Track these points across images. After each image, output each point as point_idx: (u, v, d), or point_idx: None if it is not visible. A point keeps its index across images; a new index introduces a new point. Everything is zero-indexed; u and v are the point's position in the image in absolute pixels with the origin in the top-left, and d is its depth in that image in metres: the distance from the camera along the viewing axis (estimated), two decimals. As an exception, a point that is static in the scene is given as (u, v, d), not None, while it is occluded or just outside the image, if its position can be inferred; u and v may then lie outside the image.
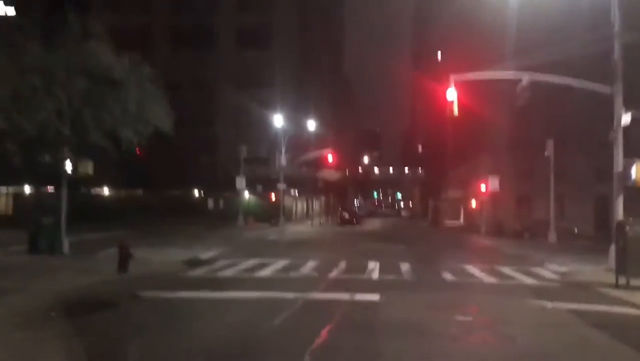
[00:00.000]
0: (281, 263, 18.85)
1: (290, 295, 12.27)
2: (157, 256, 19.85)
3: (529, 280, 16.17)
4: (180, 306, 11.42)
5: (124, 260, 15.22)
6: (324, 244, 29.18)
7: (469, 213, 60.02)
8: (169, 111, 22.31)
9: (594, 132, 48.88)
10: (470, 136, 58.10)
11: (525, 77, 20.42)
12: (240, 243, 27.81)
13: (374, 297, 12.32)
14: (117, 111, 19.41)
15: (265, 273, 16.68)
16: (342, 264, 18.81)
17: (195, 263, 18.90)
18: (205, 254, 21.35)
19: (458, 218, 63.48)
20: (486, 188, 46.05)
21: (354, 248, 25.94)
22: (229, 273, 16.63)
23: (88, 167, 22.08)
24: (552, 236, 33.60)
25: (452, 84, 22.85)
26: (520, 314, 11.02)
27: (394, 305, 11.69)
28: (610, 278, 15.00)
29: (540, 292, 13.76)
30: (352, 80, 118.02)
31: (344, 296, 12.39)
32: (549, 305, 11.92)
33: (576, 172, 40.94)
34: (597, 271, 17.94)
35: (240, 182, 42.33)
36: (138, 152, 53.87)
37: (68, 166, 20.15)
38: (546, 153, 34.33)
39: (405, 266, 18.55)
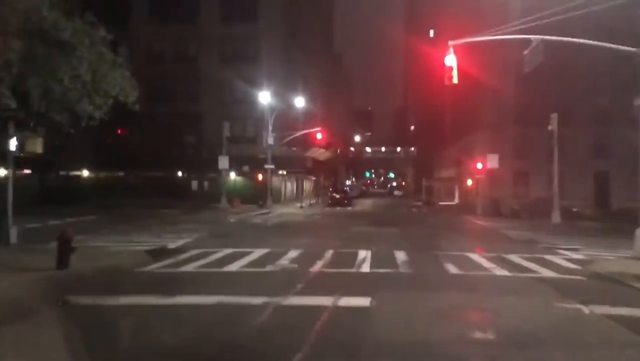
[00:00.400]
0: (258, 253, 16.17)
1: (257, 300, 9.62)
2: (117, 246, 17.18)
3: (546, 272, 13.58)
4: (110, 319, 8.71)
5: (64, 254, 12.48)
6: (311, 228, 26.47)
7: (463, 192, 57.55)
8: (134, 82, 19.22)
9: (593, 106, 46.83)
10: (466, 113, 55.40)
11: (537, 39, 17.64)
12: (220, 227, 25.07)
13: (364, 301, 9.68)
14: (66, 79, 16.43)
15: (235, 266, 13.98)
16: (328, 254, 16.16)
17: (159, 253, 16.19)
18: (175, 243, 18.69)
19: (452, 197, 61.01)
20: (483, 166, 43.54)
21: (344, 232, 23.25)
22: (192, 267, 13.92)
23: (37, 146, 19.05)
24: (556, 216, 31.18)
25: (451, 50, 20.22)
26: (553, 326, 8.37)
27: (389, 314, 9.06)
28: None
29: (566, 289, 11.18)
30: (343, 57, 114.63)
31: (326, 300, 9.71)
32: (585, 309, 9.34)
33: (575, 149, 38.01)
34: (622, 260, 15.44)
35: (223, 161, 39.43)
36: (119, 132, 51.69)
37: (12, 144, 17.19)
38: (549, 127, 31.70)
39: (400, 256, 15.95)
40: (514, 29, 19.53)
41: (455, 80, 20.08)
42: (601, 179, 46.36)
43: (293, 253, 16.20)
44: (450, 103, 64.75)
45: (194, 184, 47.86)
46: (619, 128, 45.78)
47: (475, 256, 16.20)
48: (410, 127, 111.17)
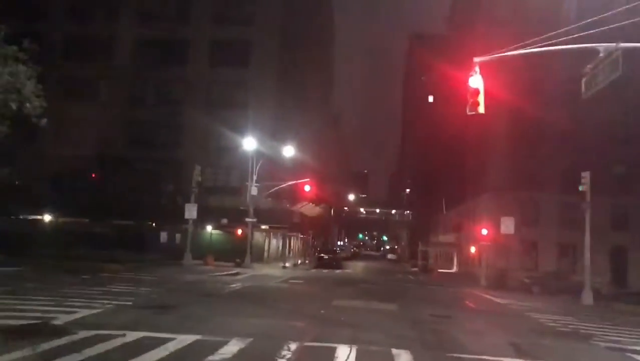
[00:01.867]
0: (176, 344, 9.77)
1: None
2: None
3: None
4: None
5: None
6: (283, 298, 19.58)
7: (463, 259, 50.91)
8: (38, 90, 13.39)
9: (610, 173, 40.98)
10: (467, 176, 49.52)
11: (609, 47, 11.77)
12: (162, 292, 18.44)
13: None
14: None
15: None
16: (288, 353, 9.68)
17: (29, 333, 9.92)
18: (73, 315, 12.25)
19: (451, 264, 54.27)
20: (488, 232, 37.32)
21: (323, 309, 16.54)
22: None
23: None
24: (588, 297, 24.54)
25: (477, 69, 14.46)
26: None
27: None
28: None
29: None
30: (341, 118, 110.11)
31: None
32: None
33: (591, 219, 31.00)
34: None
35: (190, 210, 33.07)
36: (93, 176, 45.57)
37: None
38: (581, 187, 25.36)
39: (403, 359, 9.51)
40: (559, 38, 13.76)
41: (481, 108, 14.15)
42: (618, 254, 40.11)
43: (231, 348, 9.73)
44: (449, 165, 59.03)
45: (163, 236, 41.24)
46: (638, 199, 40.12)
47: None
48: (405, 191, 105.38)
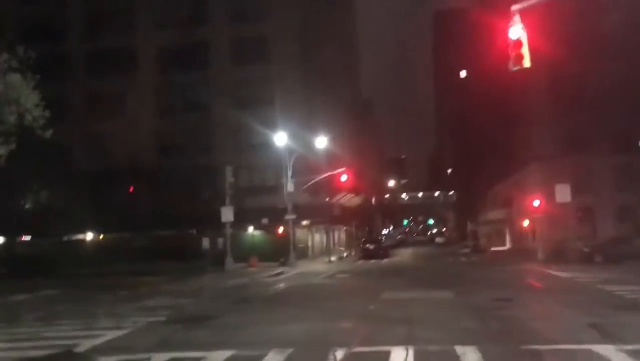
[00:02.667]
0: (207, 364, 8.51)
1: None
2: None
3: None
4: None
5: None
6: (328, 296, 17.95)
7: (516, 235, 48.56)
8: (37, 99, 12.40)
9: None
10: (512, 146, 47.06)
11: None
12: (201, 301, 17.34)
13: None
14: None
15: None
16: (335, 359, 8.33)
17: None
18: (98, 338, 11.19)
19: (503, 241, 51.94)
20: (540, 202, 35.14)
21: (372, 304, 14.99)
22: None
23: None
24: (663, 261, 22.29)
25: (517, 18, 12.80)
26: None
27: None
28: None
29: None
30: (373, 105, 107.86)
31: None
32: None
33: None
34: None
35: (227, 213, 31.97)
36: (131, 190, 45.34)
37: None
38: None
39: (470, 358, 8.04)
40: None
41: (527, 61, 12.44)
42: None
43: (269, 363, 8.42)
44: (490, 139, 56.56)
45: (205, 243, 40.43)
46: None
47: (610, 353, 8.13)
48: (447, 171, 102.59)
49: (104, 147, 44.62)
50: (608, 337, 9.32)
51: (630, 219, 37.99)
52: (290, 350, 9.11)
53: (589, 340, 9.19)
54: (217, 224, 36.08)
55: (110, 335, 11.56)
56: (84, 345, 10.50)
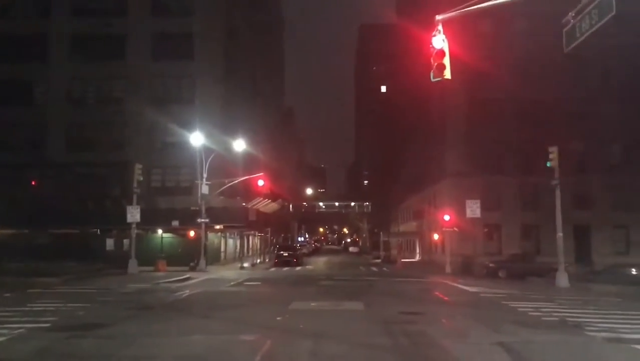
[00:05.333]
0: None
1: None
2: None
3: None
4: None
5: None
6: (234, 305, 16.81)
7: (426, 248, 49.48)
8: None
9: (570, 152, 39.86)
10: (426, 162, 47.95)
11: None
12: (86, 308, 15.72)
13: None
14: None
15: None
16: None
17: None
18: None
19: (414, 253, 52.80)
20: (450, 217, 35.87)
21: (279, 315, 14.22)
22: None
23: None
24: (563, 279, 23.02)
25: (440, 28, 12.53)
26: None
27: None
28: None
29: None
30: (295, 113, 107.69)
31: None
32: None
33: (553, 199, 29.38)
34: None
35: (133, 213, 30.20)
36: (33, 184, 42.04)
37: None
38: (549, 163, 23.83)
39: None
40: None
41: (448, 73, 12.17)
42: (581, 234, 39.20)
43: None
44: (406, 154, 57.58)
45: (110, 243, 38.13)
46: (599, 177, 39.26)
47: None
48: (364, 182, 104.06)
49: (7, 137, 41.17)
50: (516, 356, 9.04)
51: (533, 237, 39.52)
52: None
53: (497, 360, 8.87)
54: (124, 225, 34.08)
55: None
56: None
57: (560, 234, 24.18)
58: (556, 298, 18.30)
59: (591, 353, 9.74)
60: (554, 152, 23.91)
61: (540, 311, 14.85)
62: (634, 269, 32.77)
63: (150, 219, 35.46)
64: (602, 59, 37.58)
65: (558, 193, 24.34)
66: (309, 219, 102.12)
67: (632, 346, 10.19)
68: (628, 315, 14.07)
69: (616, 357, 9.33)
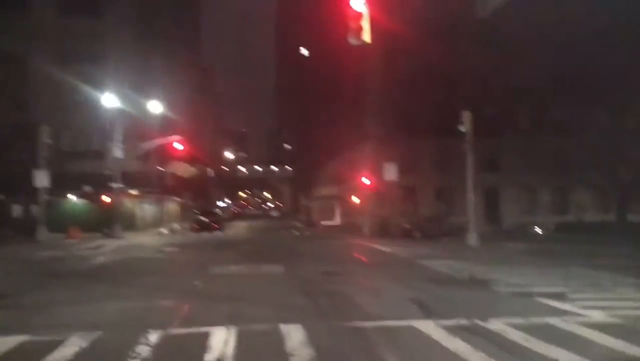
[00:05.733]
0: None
1: None
2: None
3: None
4: None
5: None
6: (152, 271, 16.49)
7: (346, 211, 50.48)
8: None
9: (482, 117, 41.61)
10: (346, 125, 48.45)
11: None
12: None
13: None
14: None
15: None
16: (148, 343, 7.38)
17: None
18: None
19: (334, 217, 53.76)
20: (369, 180, 36.67)
21: (198, 279, 14.03)
22: None
23: None
24: (473, 238, 24.28)
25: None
26: None
27: None
28: None
29: None
30: (214, 74, 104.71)
31: None
32: None
33: (464, 162, 30.82)
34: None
35: (40, 178, 28.75)
36: None
37: None
38: (462, 128, 24.78)
39: (295, 337, 7.65)
40: None
41: (367, 36, 12.24)
42: (491, 195, 41.34)
43: (67, 350, 7.21)
44: (327, 117, 57.87)
45: (17, 210, 36.12)
46: (507, 140, 41.24)
47: (429, 328, 8.24)
48: (285, 147, 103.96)
49: None
50: (428, 312, 9.51)
51: (446, 199, 41.19)
52: (96, 334, 7.96)
53: (411, 315, 9.30)
54: (32, 190, 32.28)
55: None
56: None
57: (471, 195, 25.36)
58: (467, 256, 19.29)
59: (496, 304, 10.39)
60: (466, 117, 24.84)
61: (451, 269, 15.63)
62: (538, 228, 35.45)
63: (61, 185, 33.79)
64: (514, 24, 39.01)
65: (470, 156, 25.39)
66: (230, 184, 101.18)
67: (535, 298, 10.96)
68: (533, 271, 15.06)
69: (517, 306, 10.02)
